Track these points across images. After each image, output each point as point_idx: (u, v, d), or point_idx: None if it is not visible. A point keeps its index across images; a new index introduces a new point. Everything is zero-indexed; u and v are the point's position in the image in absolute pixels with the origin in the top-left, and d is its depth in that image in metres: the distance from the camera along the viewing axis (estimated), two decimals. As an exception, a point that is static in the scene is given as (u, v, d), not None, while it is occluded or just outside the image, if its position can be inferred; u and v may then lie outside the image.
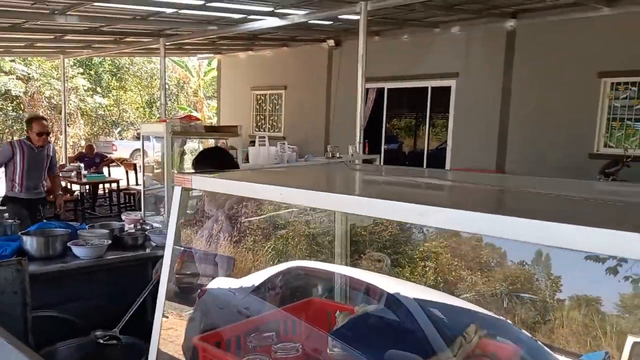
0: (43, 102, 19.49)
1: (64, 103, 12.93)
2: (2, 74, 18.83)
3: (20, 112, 19.68)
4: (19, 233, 2.94)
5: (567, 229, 0.73)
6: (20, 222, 3.36)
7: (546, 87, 7.94)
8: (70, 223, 3.63)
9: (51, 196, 5.38)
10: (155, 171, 5.77)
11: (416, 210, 0.86)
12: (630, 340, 1.20)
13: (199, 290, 2.12)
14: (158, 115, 18.29)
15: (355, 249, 2.13)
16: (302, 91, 11.68)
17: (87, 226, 3.38)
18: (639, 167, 6.61)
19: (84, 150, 10.90)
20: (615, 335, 1.26)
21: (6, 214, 3.27)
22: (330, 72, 10.95)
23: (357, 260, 2.13)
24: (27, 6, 6.77)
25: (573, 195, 1.21)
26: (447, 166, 9.12)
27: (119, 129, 22.83)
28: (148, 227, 3.45)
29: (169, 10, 7.36)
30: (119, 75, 22.81)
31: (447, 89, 9.22)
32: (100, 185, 9.71)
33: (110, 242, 3.03)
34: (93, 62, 21.39)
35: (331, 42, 10.58)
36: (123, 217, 3.70)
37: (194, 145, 13.53)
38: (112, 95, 22.77)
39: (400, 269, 1.94)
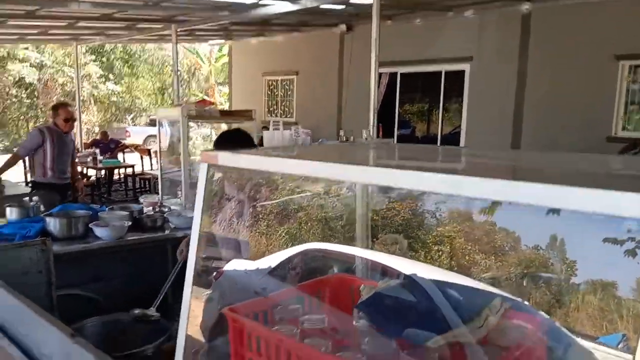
0: (57, 89, 19.66)
1: (78, 90, 13.02)
2: (17, 61, 18.99)
3: (35, 99, 19.88)
4: (42, 214, 3.01)
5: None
6: (51, 207, 3.39)
7: (561, 70, 7.83)
8: (91, 205, 3.70)
9: (70, 181, 5.47)
10: (170, 157, 5.82)
11: (450, 180, 0.90)
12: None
13: (214, 273, 2.15)
14: (170, 102, 18.36)
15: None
16: (313, 76, 11.64)
17: (107, 208, 3.45)
18: (656, 150, 6.52)
19: (98, 137, 11.02)
20: (632, 318, 1.27)
21: (35, 198, 3.31)
22: (342, 57, 10.88)
23: (372, 242, 2.15)
24: (42, -8, 6.82)
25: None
26: (461, 151, 9.05)
27: (131, 115, 22.97)
28: (166, 210, 3.51)
29: (181, -4, 7.39)
30: (130, 62, 22.88)
31: (461, 73, 9.14)
32: (116, 171, 9.83)
33: (130, 223, 3.09)
34: (105, 49, 21.47)
35: (343, 27, 10.50)
36: (141, 200, 3.76)
37: (205, 131, 13.53)
38: (124, 82, 22.88)
39: (414, 253, 1.95)
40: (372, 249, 2.07)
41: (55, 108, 4.98)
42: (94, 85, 20.83)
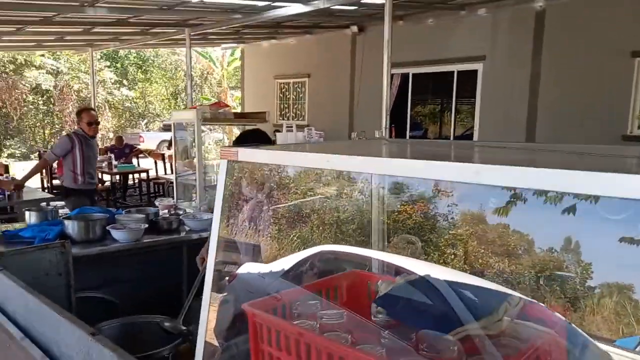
0: (72, 95, 19.94)
1: (93, 96, 13.19)
2: (33, 68, 19.31)
3: (51, 105, 20.19)
4: (61, 217, 3.06)
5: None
6: None
7: (576, 68, 7.74)
8: (108, 208, 3.76)
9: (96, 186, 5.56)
10: (184, 160, 5.87)
11: (471, 169, 0.91)
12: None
13: (227, 277, 2.16)
14: (183, 106, 18.51)
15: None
16: (325, 79, 11.65)
17: (123, 211, 3.50)
18: (674, 148, 6.40)
19: (113, 143, 11.13)
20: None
21: (64, 204, 3.34)
22: (354, 59, 10.88)
23: (385, 245, 2.14)
24: (58, -1, 6.94)
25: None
26: (474, 151, 8.99)
27: (145, 120, 23.21)
28: (181, 212, 3.55)
29: (194, 0, 7.45)
30: (144, 67, 23.14)
31: (474, 73, 9.07)
32: (130, 176, 9.93)
33: (146, 225, 3.13)
34: (119, 55, 21.74)
35: (354, 28, 10.50)
36: (157, 203, 3.80)
37: (217, 136, 13.58)
38: (138, 88, 23.13)
39: (426, 257, 1.94)
40: (385, 250, 2.07)
41: (79, 113, 5.08)
42: (108, 91, 21.10)
